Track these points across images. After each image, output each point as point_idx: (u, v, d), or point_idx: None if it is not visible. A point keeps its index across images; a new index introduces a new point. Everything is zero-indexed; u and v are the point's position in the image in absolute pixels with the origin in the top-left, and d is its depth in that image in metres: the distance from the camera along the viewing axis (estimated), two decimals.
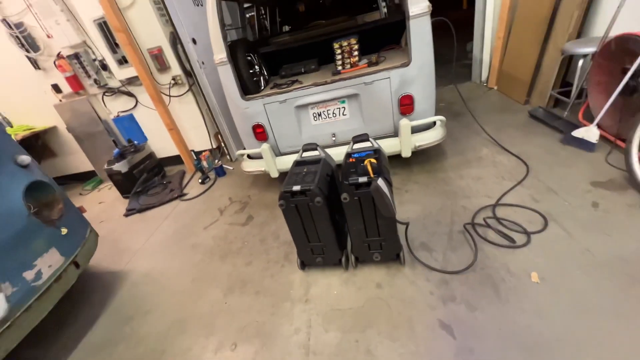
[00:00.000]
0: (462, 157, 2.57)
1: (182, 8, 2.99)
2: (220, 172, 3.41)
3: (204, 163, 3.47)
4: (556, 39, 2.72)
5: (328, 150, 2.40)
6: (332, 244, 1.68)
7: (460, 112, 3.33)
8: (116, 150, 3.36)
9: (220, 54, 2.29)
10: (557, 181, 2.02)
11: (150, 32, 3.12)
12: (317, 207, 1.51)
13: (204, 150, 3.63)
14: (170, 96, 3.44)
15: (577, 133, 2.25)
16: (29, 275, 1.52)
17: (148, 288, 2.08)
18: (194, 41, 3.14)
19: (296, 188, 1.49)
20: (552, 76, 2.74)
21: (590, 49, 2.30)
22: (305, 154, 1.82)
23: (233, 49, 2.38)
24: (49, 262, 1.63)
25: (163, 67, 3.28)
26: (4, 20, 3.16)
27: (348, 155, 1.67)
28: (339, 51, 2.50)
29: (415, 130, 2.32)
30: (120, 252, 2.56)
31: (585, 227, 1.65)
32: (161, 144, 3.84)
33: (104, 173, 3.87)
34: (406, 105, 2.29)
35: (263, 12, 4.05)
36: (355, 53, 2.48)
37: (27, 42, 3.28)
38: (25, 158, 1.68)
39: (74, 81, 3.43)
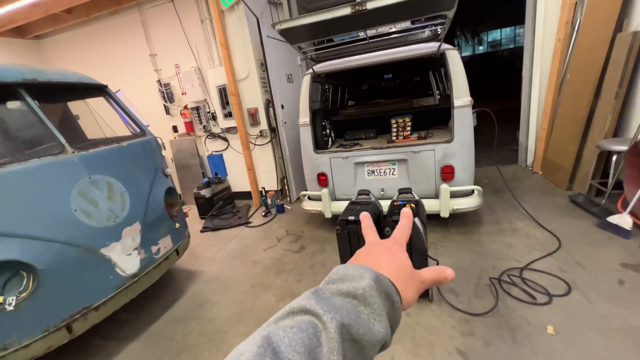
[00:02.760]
0: (498, 226, 2.83)
1: (278, 83, 4.03)
2: (281, 209, 4.04)
3: (269, 200, 4.15)
4: (594, 136, 3.05)
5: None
6: None
7: (501, 189, 3.62)
8: (205, 179, 4.24)
9: (304, 118, 3.09)
10: (586, 258, 2.19)
11: (252, 97, 4.19)
12: None
13: (270, 190, 4.35)
14: (255, 144, 4.36)
15: (612, 219, 2.43)
16: (154, 249, 2.15)
17: (216, 286, 2.58)
18: (282, 107, 4.10)
19: (351, 218, 1.98)
20: (592, 167, 3.00)
21: (621, 147, 2.60)
22: (360, 197, 2.34)
23: (314, 116, 3.17)
24: (165, 244, 2.26)
25: (255, 122, 4.27)
26: (158, 81, 4.54)
27: (393, 201, 2.14)
28: (394, 125, 3.14)
29: (454, 195, 2.72)
30: (196, 257, 3.16)
31: (607, 299, 1.80)
32: (237, 181, 4.69)
33: (187, 197, 4.77)
34: (447, 173, 2.74)
35: (335, 89, 5.08)
36: (408, 128, 3.10)
37: (168, 96, 4.59)
38: (168, 170, 2.47)
39: (189, 125, 4.58)
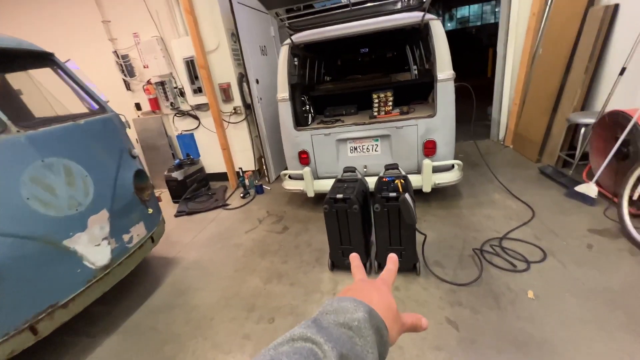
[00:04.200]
0: (476, 199, 2.93)
1: (252, 55, 3.76)
2: (259, 190, 3.90)
3: (246, 181, 3.99)
4: (563, 110, 3.18)
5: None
6: (361, 249, 2.04)
7: (477, 164, 3.74)
8: (177, 161, 3.97)
9: (283, 92, 2.91)
10: (558, 226, 2.33)
11: (224, 71, 3.89)
12: (354, 213, 1.91)
13: (247, 170, 4.17)
14: (229, 122, 4.10)
15: (579, 188, 2.59)
16: (125, 237, 1.97)
17: (197, 272, 2.46)
18: (257, 81, 3.85)
19: (339, 196, 1.92)
20: (560, 140, 3.15)
21: (590, 120, 2.73)
22: (345, 175, 2.27)
23: (293, 90, 3.00)
24: (138, 232, 2.08)
25: (228, 98, 4.00)
26: (115, 52, 4.06)
27: (381, 178, 2.11)
28: (376, 100, 3.06)
29: (435, 170, 2.74)
30: (172, 244, 2.99)
31: (579, 263, 1.93)
32: (211, 161, 4.44)
33: (157, 181, 4.46)
34: (429, 148, 2.74)
35: (312, 63, 4.86)
36: (390, 103, 3.04)
37: (127, 70, 4.13)
38: (135, 151, 2.24)
39: (154, 102, 4.20)
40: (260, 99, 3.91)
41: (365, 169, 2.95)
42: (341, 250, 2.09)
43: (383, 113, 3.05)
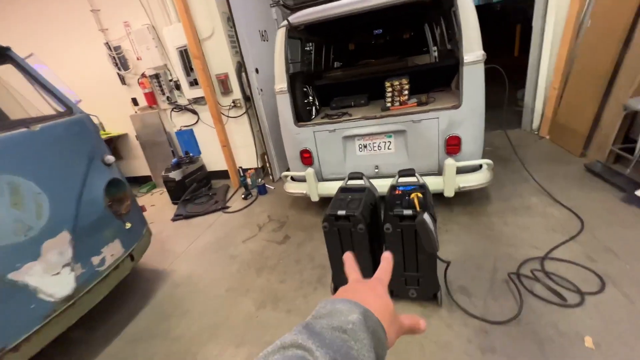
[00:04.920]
0: (508, 203, 2.49)
1: (250, 42, 3.38)
2: (262, 190, 3.60)
3: (249, 180, 3.69)
4: (618, 94, 2.63)
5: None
6: (369, 274, 1.68)
7: (507, 158, 3.25)
8: (174, 160, 3.71)
9: (281, 84, 2.54)
10: (616, 242, 1.88)
11: (220, 60, 3.54)
12: (359, 233, 1.56)
13: (250, 168, 3.87)
14: (228, 116, 3.79)
15: None
16: (95, 260, 1.71)
17: (187, 290, 2.21)
18: (257, 71, 3.49)
19: (341, 212, 1.57)
20: (614, 131, 2.62)
21: None
22: (351, 182, 1.91)
23: (292, 81, 2.62)
24: (112, 251, 1.82)
25: (226, 90, 3.67)
26: (107, 44, 3.79)
27: (393, 187, 1.73)
28: (389, 89, 2.63)
29: (460, 171, 2.32)
30: (165, 253, 2.75)
31: None
32: (212, 159, 4.17)
33: (159, 179, 4.25)
34: (453, 145, 2.32)
35: (318, 48, 4.42)
36: (406, 92, 2.60)
37: (121, 62, 3.87)
38: (110, 158, 1.96)
39: (151, 97, 3.93)
40: (261, 90, 3.54)
41: (376, 170, 2.56)
42: (345, 275, 1.75)
43: (397, 104, 2.62)
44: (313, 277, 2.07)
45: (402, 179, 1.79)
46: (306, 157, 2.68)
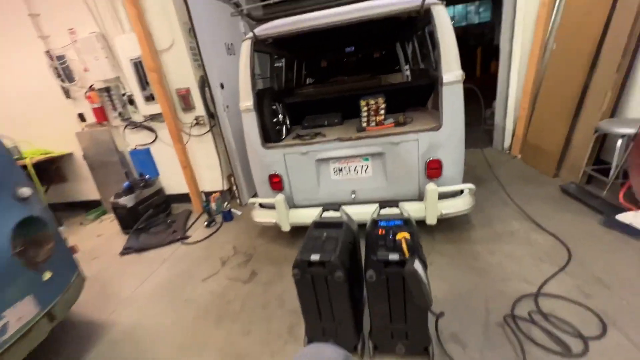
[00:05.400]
0: (491, 229, 2.36)
1: (215, 54, 3.11)
2: (228, 216, 3.25)
3: (213, 205, 3.33)
4: (587, 116, 2.66)
5: (346, 209, 2.25)
6: (348, 326, 1.42)
7: (484, 178, 3.18)
8: (126, 183, 3.26)
9: (247, 101, 2.28)
10: (606, 272, 1.77)
11: (181, 74, 3.23)
12: (337, 282, 1.30)
13: (215, 192, 3.51)
14: (190, 135, 3.44)
15: (622, 217, 2.05)
16: None
17: (128, 348, 1.80)
18: (222, 86, 3.20)
19: (315, 257, 1.30)
20: (586, 153, 2.62)
21: (630, 130, 2.19)
22: (326, 214, 1.66)
23: (260, 98, 2.37)
24: (20, 314, 1.41)
25: (188, 107, 3.33)
26: (47, 52, 3.34)
27: (375, 222, 1.50)
28: (365, 108, 2.46)
29: (441, 196, 2.15)
30: (107, 298, 2.30)
31: None
32: (172, 181, 3.76)
33: (109, 204, 3.75)
34: (434, 169, 2.16)
35: (290, 64, 4.24)
36: (382, 112, 2.44)
37: (65, 73, 3.42)
38: (26, 190, 1.56)
39: (100, 112, 3.49)
40: (227, 106, 3.25)
41: (353, 196, 2.34)
42: (322, 328, 1.47)
43: (374, 124, 2.45)
44: (283, 327, 1.76)
45: (385, 211, 1.57)
46: (276, 182, 2.40)
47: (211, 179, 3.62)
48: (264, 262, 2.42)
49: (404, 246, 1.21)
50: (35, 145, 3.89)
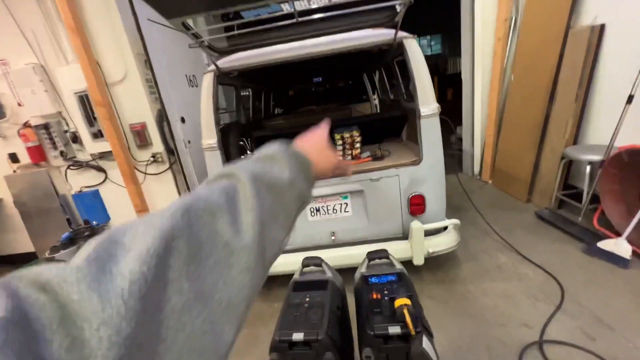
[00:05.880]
0: (478, 264, 2.24)
1: (174, 87, 2.86)
2: None
3: None
4: (552, 143, 2.74)
5: (327, 253, 2.02)
6: None
7: (460, 206, 3.14)
8: (65, 235, 2.77)
9: (209, 139, 2.04)
10: (604, 309, 1.68)
11: (135, 108, 2.93)
12: None
13: None
14: (146, 174, 3.07)
15: (605, 245, 2.03)
16: None
17: None
18: (183, 120, 2.94)
19: (298, 337, 1.04)
20: (555, 178, 2.68)
21: (596, 157, 2.25)
22: (306, 271, 1.42)
23: (225, 134, 2.15)
24: None
25: (143, 142, 3.00)
26: None
27: (364, 279, 1.28)
28: (340, 142, 2.32)
29: (426, 233, 2.01)
30: None
31: None
32: None
33: (43, 260, 3.17)
34: (417, 205, 2.03)
35: (257, 95, 4.09)
36: (358, 145, 2.32)
37: None
38: None
39: (36, 152, 3.03)
40: (189, 142, 2.97)
41: (333, 238, 2.13)
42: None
43: (350, 158, 2.32)
44: None
45: (373, 266, 1.36)
46: None
47: None
48: None
49: (407, 316, 1.00)
50: None
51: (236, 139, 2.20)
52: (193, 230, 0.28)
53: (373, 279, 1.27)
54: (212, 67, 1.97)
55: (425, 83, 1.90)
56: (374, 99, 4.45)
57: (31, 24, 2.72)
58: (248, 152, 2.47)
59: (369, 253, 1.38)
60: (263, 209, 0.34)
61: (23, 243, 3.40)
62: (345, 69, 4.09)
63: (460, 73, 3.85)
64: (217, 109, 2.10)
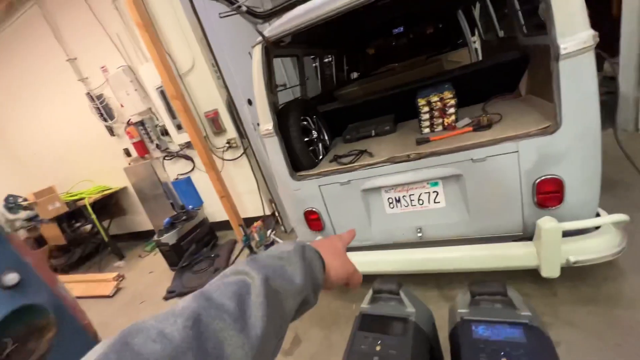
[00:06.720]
0: None
1: (237, 69, 2.72)
2: None
3: (255, 235, 2.97)
4: None
5: (411, 254, 1.61)
6: None
7: (617, 180, 2.16)
8: (166, 220, 3.12)
9: (266, 124, 1.79)
10: None
11: (207, 96, 2.92)
12: None
13: (258, 219, 3.16)
14: (223, 160, 3.14)
15: None
16: None
17: None
18: (250, 102, 2.81)
19: None
20: None
21: None
22: (375, 307, 1.06)
23: (284, 115, 1.86)
24: None
25: (219, 130, 3.03)
26: (88, 94, 3.37)
27: (466, 327, 0.85)
28: (425, 109, 1.77)
29: (566, 233, 1.36)
30: None
31: None
32: (217, 207, 3.52)
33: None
34: (549, 194, 1.38)
35: (325, 61, 3.65)
36: (452, 110, 1.72)
37: (106, 112, 3.43)
38: (13, 277, 1.32)
39: (140, 146, 3.43)
40: (258, 124, 2.83)
41: (419, 234, 1.68)
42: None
43: (440, 129, 1.75)
44: None
45: (481, 308, 0.90)
46: (313, 220, 1.88)
47: (253, 204, 3.29)
48: (310, 322, 1.92)
49: None
50: (95, 182, 4.08)
51: (297, 121, 1.89)
52: (201, 340, 0.31)
53: (481, 330, 0.83)
54: (259, 39, 1.65)
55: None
56: (474, 42, 3.45)
57: (114, 27, 2.91)
58: (314, 132, 2.15)
59: (472, 284, 0.92)
60: (270, 318, 0.36)
61: (145, 222, 4.05)
62: (432, 9, 3.23)
63: None
64: (272, 87, 1.82)
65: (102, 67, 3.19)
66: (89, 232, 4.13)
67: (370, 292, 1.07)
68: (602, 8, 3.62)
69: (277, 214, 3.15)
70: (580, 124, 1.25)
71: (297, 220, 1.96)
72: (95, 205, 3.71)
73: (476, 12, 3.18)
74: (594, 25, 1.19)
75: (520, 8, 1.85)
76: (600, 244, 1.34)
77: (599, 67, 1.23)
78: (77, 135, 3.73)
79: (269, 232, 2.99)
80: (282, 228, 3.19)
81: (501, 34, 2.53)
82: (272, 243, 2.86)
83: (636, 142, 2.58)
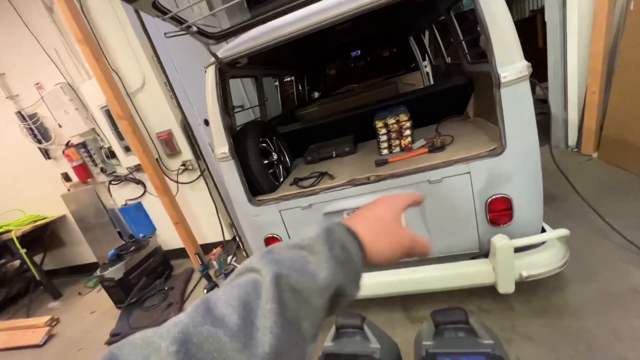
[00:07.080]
0: (597, 284, 1.58)
1: (193, 87, 2.59)
2: None
3: (214, 263, 2.77)
4: None
5: (374, 277, 1.58)
6: None
7: (555, 195, 2.36)
8: (111, 252, 2.80)
9: (221, 147, 1.70)
10: None
11: (159, 116, 2.75)
12: None
13: (218, 244, 2.96)
14: (178, 183, 2.93)
15: None
16: None
17: None
18: (207, 122, 2.67)
19: None
20: None
21: None
22: (342, 332, 1.00)
23: (241, 138, 1.79)
24: None
25: (173, 151, 2.84)
26: (19, 113, 3.00)
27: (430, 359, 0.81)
28: (383, 130, 1.80)
29: (517, 249, 1.42)
30: None
31: None
32: (171, 234, 3.24)
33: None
34: (499, 212, 1.44)
35: (284, 82, 3.66)
36: (408, 132, 1.77)
37: (40, 133, 3.07)
38: None
39: (82, 170, 3.09)
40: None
41: None
42: None
43: (398, 150, 1.78)
44: None
45: (442, 338, 0.88)
46: None
47: (212, 229, 3.09)
48: None
49: None
50: (27, 212, 3.59)
51: (255, 143, 1.82)
52: None
53: None
54: (212, 60, 1.59)
55: (507, 34, 1.26)
56: (425, 67, 3.69)
57: (52, 42, 2.66)
58: (274, 154, 2.09)
59: (435, 314, 0.90)
60: (283, 327, 0.30)
61: (87, 254, 3.62)
62: (386, 34, 3.41)
63: (536, 12, 2.89)
64: (227, 108, 1.75)
65: (37, 84, 2.87)
66: (17, 270, 3.57)
67: (333, 328, 1.00)
68: (529, 40, 4.12)
69: (238, 238, 2.98)
70: (523, 145, 1.34)
71: (257, 248, 1.85)
72: (26, 237, 3.24)
73: (426, 40, 3.41)
74: (525, 55, 1.30)
75: (463, 39, 2.00)
76: (547, 258, 1.42)
77: (532, 90, 1.35)
78: (5, 159, 3.27)
79: (229, 258, 2.83)
80: (244, 253, 3.01)
81: (449, 60, 2.72)
82: (233, 271, 2.68)
83: (568, 159, 2.87)
